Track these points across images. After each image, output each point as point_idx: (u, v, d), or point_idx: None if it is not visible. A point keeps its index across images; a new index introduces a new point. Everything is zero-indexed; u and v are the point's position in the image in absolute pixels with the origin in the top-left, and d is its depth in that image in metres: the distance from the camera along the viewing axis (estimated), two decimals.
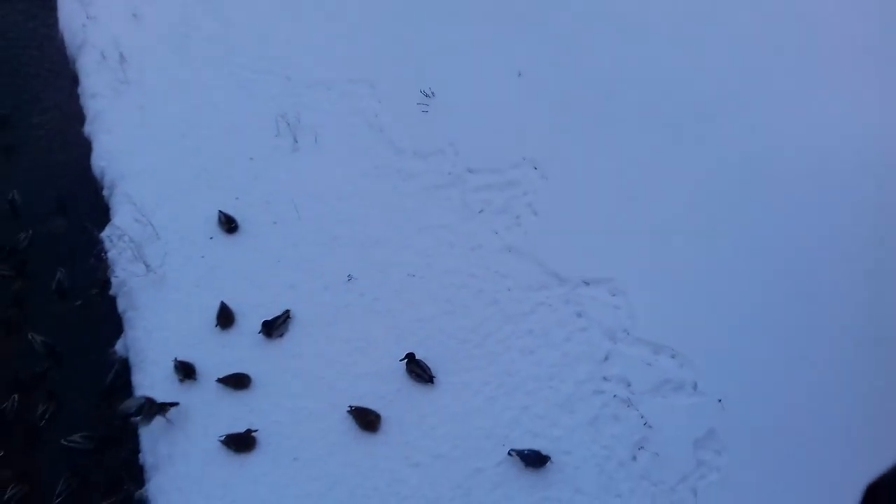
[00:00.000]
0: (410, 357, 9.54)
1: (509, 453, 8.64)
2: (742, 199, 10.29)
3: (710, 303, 9.51)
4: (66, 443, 9.51)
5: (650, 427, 8.72)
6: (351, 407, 9.19)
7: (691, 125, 11.16)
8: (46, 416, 9.86)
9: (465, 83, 12.62)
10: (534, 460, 8.47)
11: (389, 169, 12.05)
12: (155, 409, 9.17)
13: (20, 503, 9.20)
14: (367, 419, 9.07)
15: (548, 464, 8.48)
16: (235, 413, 9.33)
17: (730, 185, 10.47)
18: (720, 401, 8.74)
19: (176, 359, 9.69)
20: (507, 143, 11.74)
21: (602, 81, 12.02)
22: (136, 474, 9.22)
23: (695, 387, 8.95)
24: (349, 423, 9.15)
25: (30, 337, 10.50)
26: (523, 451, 8.55)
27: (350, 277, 10.64)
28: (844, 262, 9.41)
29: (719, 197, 10.40)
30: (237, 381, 9.53)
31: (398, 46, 13.47)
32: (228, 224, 11.28)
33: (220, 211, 11.40)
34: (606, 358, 9.42)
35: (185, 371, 9.61)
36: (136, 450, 9.44)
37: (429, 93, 12.59)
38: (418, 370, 9.47)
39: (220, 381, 9.53)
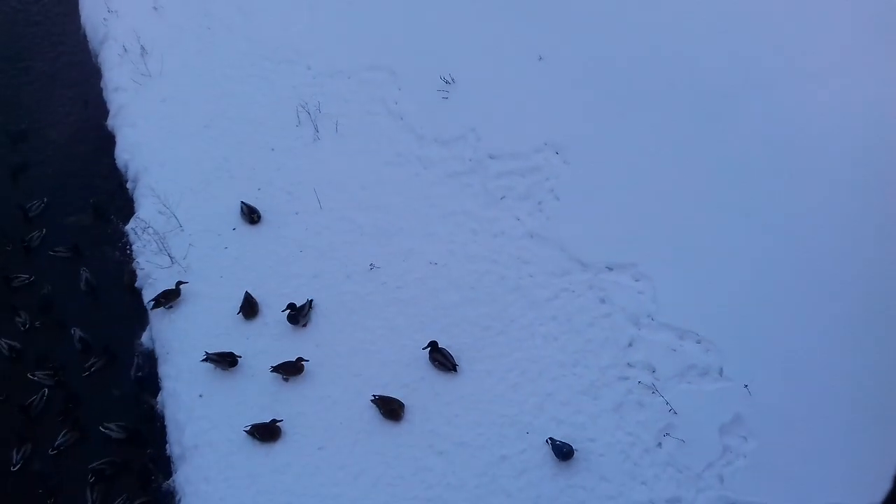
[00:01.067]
0: (433, 345, 9.53)
1: (547, 441, 8.62)
2: (767, 181, 10.08)
3: (736, 287, 9.36)
4: (103, 430, 9.68)
5: (675, 413, 8.62)
6: (374, 396, 9.22)
7: (714, 108, 10.94)
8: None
9: (485, 68, 12.49)
10: (561, 452, 8.42)
11: (410, 156, 12.00)
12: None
13: (71, 448, 9.64)
14: (390, 408, 9.09)
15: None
16: (260, 403, 9.41)
17: (754, 166, 10.27)
18: (746, 386, 8.61)
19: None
20: (529, 128, 11.62)
21: (624, 63, 11.82)
22: (163, 465, 9.36)
23: (720, 372, 8.82)
24: (373, 412, 9.18)
25: (72, 332, 10.71)
26: (557, 441, 8.50)
27: (372, 266, 10.64)
28: (874, 243, 9.20)
29: (744, 179, 10.21)
30: (292, 369, 9.52)
31: (417, 33, 13.36)
32: (251, 215, 11.34)
33: (242, 202, 11.45)
34: (630, 344, 9.33)
35: (230, 362, 9.73)
36: (163, 441, 9.58)
37: (449, 79, 12.49)
38: (441, 358, 9.47)
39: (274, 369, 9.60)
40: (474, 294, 10.22)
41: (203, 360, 9.71)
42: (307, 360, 9.30)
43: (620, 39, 12.14)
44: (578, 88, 11.85)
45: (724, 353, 8.91)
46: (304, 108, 12.67)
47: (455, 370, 9.41)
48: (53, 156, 13.47)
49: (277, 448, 9.01)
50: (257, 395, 9.51)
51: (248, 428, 9.06)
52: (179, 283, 10.44)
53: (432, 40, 13.16)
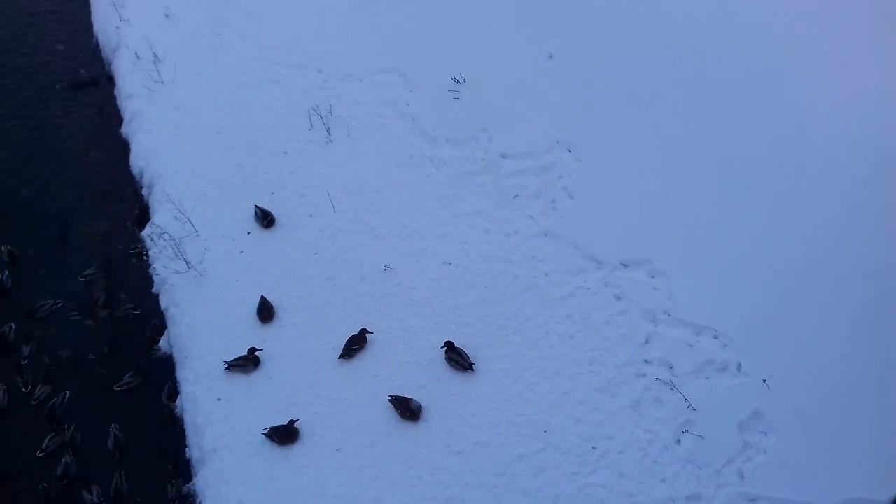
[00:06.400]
0: (449, 345, 9.53)
1: None
2: (781, 175, 10.00)
3: (752, 281, 9.30)
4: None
5: (694, 410, 8.58)
6: (391, 396, 9.23)
7: (724, 103, 10.88)
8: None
9: (495, 68, 12.50)
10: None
11: (422, 157, 12.03)
12: None
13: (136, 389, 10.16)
14: (408, 408, 9.10)
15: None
16: (277, 406, 9.44)
17: (767, 161, 10.19)
18: (765, 381, 8.55)
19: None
20: (541, 127, 11.61)
21: (635, 60, 11.78)
22: (182, 469, 9.40)
23: (739, 367, 8.77)
24: (390, 413, 9.19)
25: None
26: None
27: (387, 267, 10.66)
28: (892, 236, 9.10)
29: (757, 174, 10.14)
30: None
31: (427, 34, 13.39)
32: (265, 219, 11.38)
33: (256, 206, 11.51)
34: (647, 341, 9.29)
35: (254, 361, 9.80)
36: (182, 444, 9.64)
37: (459, 79, 12.50)
38: (457, 358, 9.46)
39: None
40: (489, 294, 10.22)
41: (226, 369, 9.77)
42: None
43: (630, 36, 12.11)
44: (589, 86, 11.83)
45: (742, 348, 8.86)
46: (315, 111, 12.73)
47: (471, 370, 9.40)
48: (69, 164, 13.54)
49: (295, 450, 9.02)
50: (274, 398, 9.53)
51: (266, 431, 9.09)
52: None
53: (442, 41, 13.19)
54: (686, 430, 8.46)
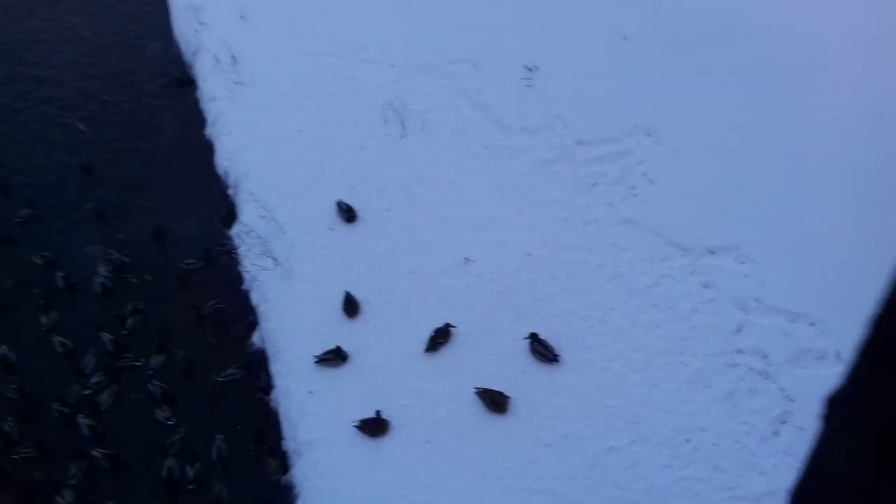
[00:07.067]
0: (533, 336, 9.53)
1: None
2: (871, 151, 9.50)
3: (849, 263, 8.87)
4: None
5: (792, 400, 8.35)
6: (477, 388, 9.29)
7: (806, 77, 10.41)
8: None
9: (568, 53, 12.32)
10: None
11: (497, 147, 12.01)
12: None
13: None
14: (495, 400, 9.15)
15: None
16: (366, 398, 9.62)
17: (854, 136, 9.71)
18: None
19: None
20: (617, 112, 11.40)
21: (710, 38, 11.41)
22: (281, 460, 9.68)
23: (838, 355, 8.45)
24: (477, 405, 9.26)
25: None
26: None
27: (467, 259, 10.71)
28: None
29: (846, 149, 9.67)
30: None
31: (496, 22, 13.30)
32: (347, 214, 11.57)
33: (339, 200, 11.70)
34: (739, 329, 9.07)
35: (342, 356, 10.00)
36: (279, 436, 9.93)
37: (532, 66, 12.39)
38: (542, 349, 9.46)
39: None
40: (570, 283, 10.16)
41: (317, 363, 10.02)
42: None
43: (705, 12, 11.72)
44: (666, 67, 11.53)
45: (841, 335, 8.52)
46: (390, 105, 12.84)
47: (557, 361, 9.39)
48: (159, 167, 13.91)
49: (386, 442, 9.20)
50: (363, 391, 9.71)
51: (357, 423, 9.30)
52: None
53: (512, 28, 13.08)
54: (784, 422, 8.26)
